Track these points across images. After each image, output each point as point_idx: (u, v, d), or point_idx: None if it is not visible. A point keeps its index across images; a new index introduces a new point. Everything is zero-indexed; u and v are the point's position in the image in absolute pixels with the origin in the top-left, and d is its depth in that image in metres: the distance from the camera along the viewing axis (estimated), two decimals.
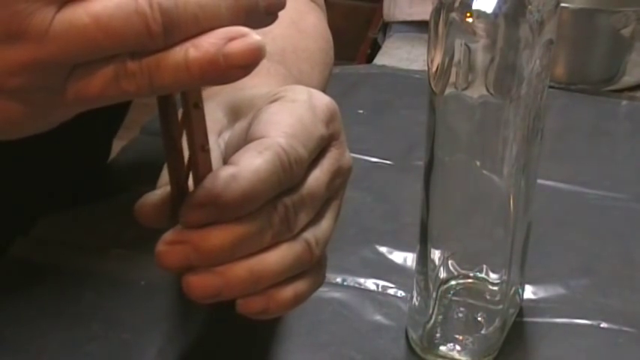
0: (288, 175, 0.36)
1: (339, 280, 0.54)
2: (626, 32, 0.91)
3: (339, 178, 0.39)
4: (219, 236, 0.34)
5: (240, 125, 0.39)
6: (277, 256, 0.36)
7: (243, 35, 0.29)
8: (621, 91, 0.94)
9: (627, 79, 0.96)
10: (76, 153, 0.64)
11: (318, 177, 0.38)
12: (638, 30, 0.92)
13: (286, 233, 0.36)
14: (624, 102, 0.84)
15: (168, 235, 0.35)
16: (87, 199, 0.62)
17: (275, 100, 0.39)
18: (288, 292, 0.37)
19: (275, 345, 0.49)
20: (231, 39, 0.29)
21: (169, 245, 0.34)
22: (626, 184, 0.67)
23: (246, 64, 0.29)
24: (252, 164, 0.34)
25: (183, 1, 0.28)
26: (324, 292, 0.53)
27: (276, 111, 0.38)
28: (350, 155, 0.41)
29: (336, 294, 0.53)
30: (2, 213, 0.56)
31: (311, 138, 0.37)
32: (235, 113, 0.41)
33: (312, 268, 0.38)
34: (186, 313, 0.51)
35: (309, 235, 0.37)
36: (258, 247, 0.35)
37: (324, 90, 0.56)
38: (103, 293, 0.52)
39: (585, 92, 0.88)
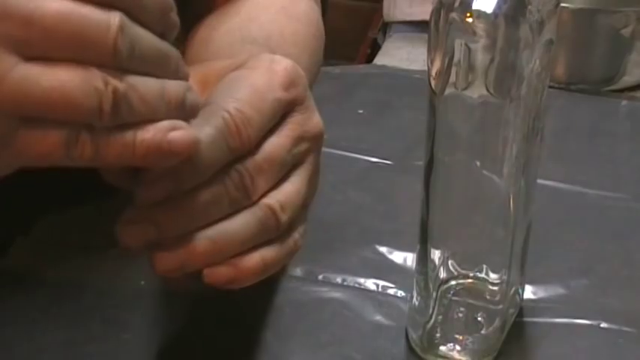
0: (237, 139, 0.36)
1: (339, 280, 0.54)
2: (626, 32, 0.91)
3: (304, 142, 0.39)
4: (174, 208, 0.35)
5: (207, 96, 0.40)
6: (238, 224, 0.36)
7: (182, 128, 0.33)
8: (621, 91, 0.94)
9: (627, 79, 0.96)
10: None
11: (275, 142, 0.38)
12: (638, 30, 0.92)
13: (245, 200, 0.36)
14: (624, 102, 0.84)
15: (126, 214, 0.36)
16: (87, 199, 0.61)
17: (235, 69, 0.39)
18: (255, 258, 0.37)
19: (275, 345, 0.49)
20: (173, 129, 0.32)
21: (128, 224, 0.35)
22: (626, 184, 0.67)
23: (183, 151, 0.33)
24: (198, 133, 0.35)
25: (136, 96, 0.31)
26: (324, 292, 0.53)
27: (231, 79, 0.38)
28: (320, 120, 0.40)
29: (336, 294, 0.53)
30: (2, 213, 0.56)
31: (264, 101, 0.37)
32: (204, 84, 0.41)
33: (281, 234, 0.38)
34: (186, 313, 0.51)
35: (271, 200, 0.37)
36: (217, 216, 0.36)
37: (314, 75, 0.55)
38: (103, 293, 0.52)
39: (585, 92, 0.88)
